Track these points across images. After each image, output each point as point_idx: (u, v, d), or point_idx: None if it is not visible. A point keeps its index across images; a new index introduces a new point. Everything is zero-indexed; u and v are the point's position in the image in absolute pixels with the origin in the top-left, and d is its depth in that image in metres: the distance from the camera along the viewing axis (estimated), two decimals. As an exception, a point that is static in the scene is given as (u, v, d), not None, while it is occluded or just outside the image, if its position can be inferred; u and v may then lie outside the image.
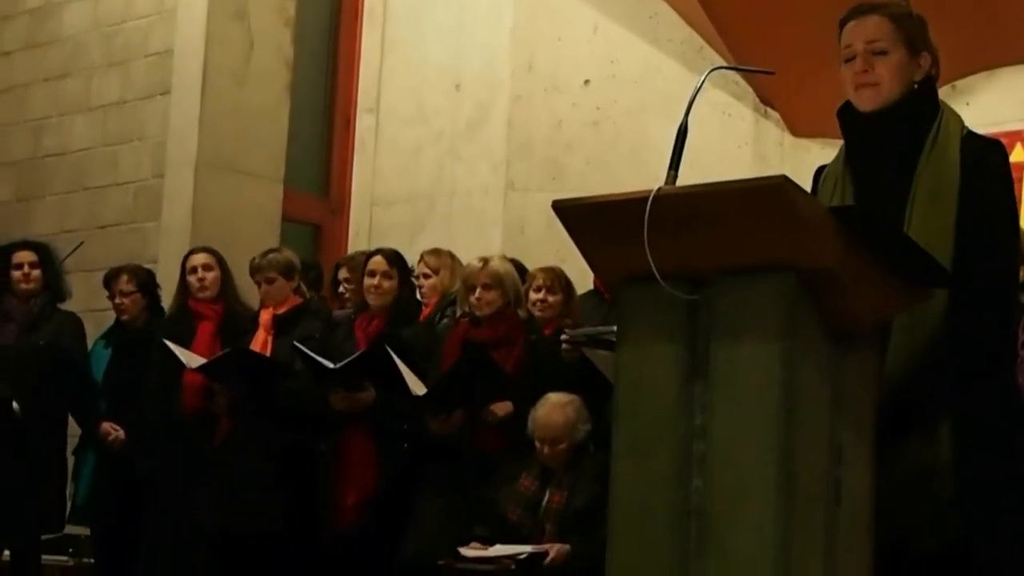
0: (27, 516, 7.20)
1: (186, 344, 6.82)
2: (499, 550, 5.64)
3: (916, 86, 3.41)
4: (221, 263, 7.13)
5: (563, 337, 6.00)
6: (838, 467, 3.05)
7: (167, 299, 7.38)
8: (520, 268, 6.61)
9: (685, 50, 9.24)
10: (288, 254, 7.03)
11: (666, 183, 3.13)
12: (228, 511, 6.47)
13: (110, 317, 7.59)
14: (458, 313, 6.36)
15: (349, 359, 6.16)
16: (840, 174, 3.48)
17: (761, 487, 2.93)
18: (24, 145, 9.84)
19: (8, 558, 7.37)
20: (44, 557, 7.58)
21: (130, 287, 7.32)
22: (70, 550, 8.19)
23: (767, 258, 2.97)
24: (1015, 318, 4.03)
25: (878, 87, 3.38)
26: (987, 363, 3.26)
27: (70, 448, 7.45)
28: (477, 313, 6.18)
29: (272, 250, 7.10)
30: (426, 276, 6.90)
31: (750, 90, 9.22)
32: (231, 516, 6.46)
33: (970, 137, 3.39)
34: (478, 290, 6.16)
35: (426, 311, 6.78)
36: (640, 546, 3.07)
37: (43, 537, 7.49)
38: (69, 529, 7.65)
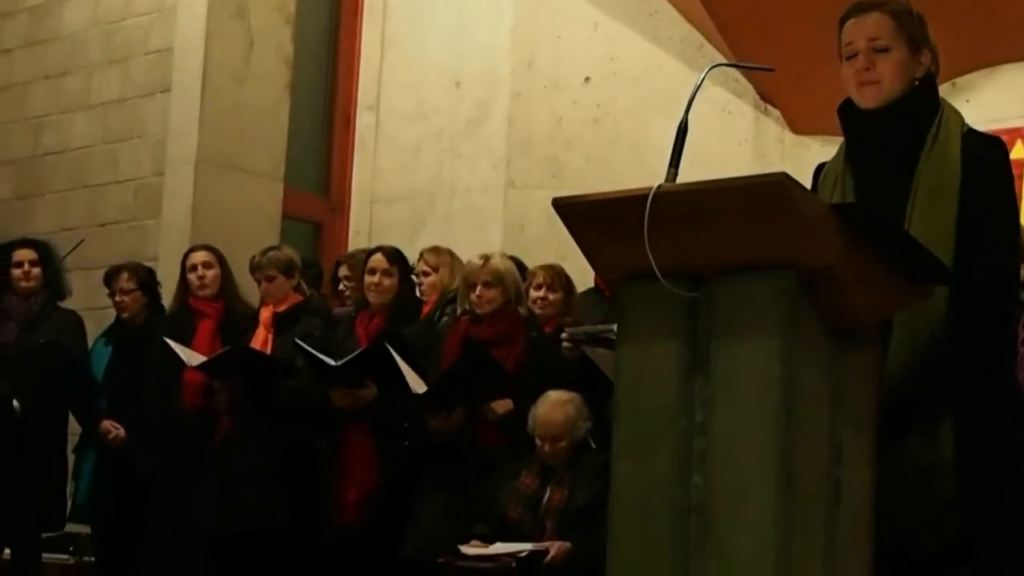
0: (27, 515, 7.20)
1: (186, 342, 6.82)
2: (499, 548, 5.64)
3: (917, 83, 3.41)
4: (221, 261, 7.13)
5: (563, 335, 6.00)
6: (838, 465, 3.04)
7: (167, 297, 7.37)
8: (520, 266, 6.61)
9: (685, 47, 9.23)
10: (288, 252, 7.02)
11: (666, 180, 3.13)
12: (228, 509, 6.47)
13: (110, 315, 7.59)
14: (458, 311, 6.36)
15: (350, 356, 6.16)
16: (840, 171, 3.48)
17: (761, 485, 2.93)
18: (24, 143, 9.84)
19: (8, 557, 7.36)
20: (44, 555, 7.57)
21: (130, 285, 7.32)
22: (70, 548, 8.19)
23: (767, 255, 2.97)
24: (1016, 316, 4.02)
25: (880, 84, 3.38)
26: (988, 361, 3.26)
27: (70, 446, 7.45)
28: (478, 311, 6.18)
29: (272, 248, 7.10)
30: (425, 274, 6.90)
31: (750, 87, 9.22)
32: (231, 515, 6.46)
33: (970, 134, 3.39)
34: (479, 288, 6.16)
35: (426, 309, 6.78)
36: (640, 544, 3.07)
37: (43, 535, 7.48)
38: (69, 527, 7.65)
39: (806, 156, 8.55)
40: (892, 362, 3.21)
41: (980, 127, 3.49)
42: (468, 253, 6.71)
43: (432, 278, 6.88)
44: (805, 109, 8.81)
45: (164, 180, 9.03)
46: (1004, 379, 3.39)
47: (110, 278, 7.42)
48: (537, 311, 6.42)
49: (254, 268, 6.93)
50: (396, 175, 9.83)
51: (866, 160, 3.44)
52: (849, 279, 2.99)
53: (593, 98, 9.27)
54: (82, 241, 8.17)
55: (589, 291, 6.82)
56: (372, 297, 6.54)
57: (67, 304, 7.56)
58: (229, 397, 6.68)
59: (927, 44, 3.44)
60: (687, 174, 3.16)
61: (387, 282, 6.52)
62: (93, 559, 7.67)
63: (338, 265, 7.59)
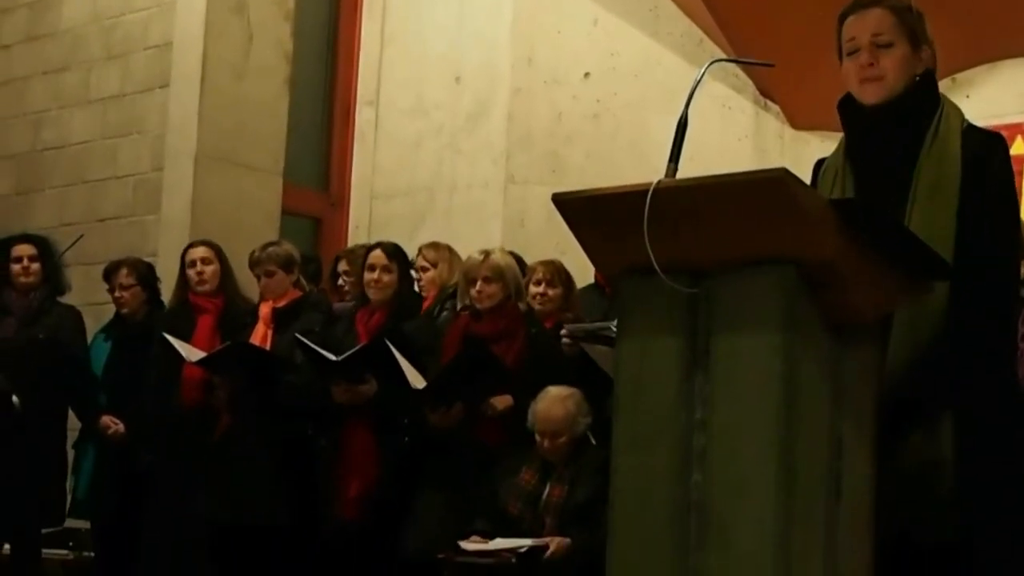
0: (27, 510, 7.20)
1: (186, 338, 6.82)
2: (499, 543, 5.64)
3: (918, 79, 3.40)
4: (220, 256, 7.13)
5: (563, 332, 6.00)
6: (838, 461, 3.04)
7: (167, 292, 7.37)
8: (520, 262, 6.60)
9: (685, 43, 9.24)
10: (288, 247, 7.02)
11: (666, 176, 3.13)
12: (228, 505, 6.47)
13: (110, 310, 7.59)
14: (458, 306, 6.36)
15: (350, 352, 6.16)
16: (840, 167, 3.47)
17: (761, 481, 2.92)
18: (23, 138, 9.83)
19: (8, 552, 7.36)
20: (44, 551, 7.58)
21: (130, 280, 7.32)
22: (70, 544, 8.19)
23: (767, 251, 2.97)
24: (1016, 312, 4.02)
25: (883, 80, 3.37)
26: (988, 358, 3.26)
27: (70, 442, 7.45)
28: (478, 306, 6.18)
29: (271, 243, 7.10)
30: (424, 269, 6.90)
31: (750, 83, 9.22)
32: (231, 510, 6.46)
33: (971, 130, 3.39)
34: (479, 283, 6.15)
35: (425, 304, 6.78)
36: (640, 540, 3.07)
37: (43, 531, 7.48)
38: (69, 523, 7.65)
39: (806, 152, 8.55)
40: (892, 359, 3.21)
41: (980, 123, 3.49)
42: (468, 249, 6.71)
43: (431, 273, 6.88)
44: (805, 105, 8.81)
45: (163, 175, 9.02)
46: (1004, 376, 3.38)
47: (109, 273, 7.42)
48: (537, 307, 6.42)
49: (253, 263, 6.93)
50: (396, 170, 9.83)
51: (866, 156, 3.43)
52: (849, 275, 2.99)
53: (593, 93, 9.27)
54: (81, 236, 8.16)
55: (589, 287, 6.82)
56: (372, 293, 6.53)
57: (66, 299, 7.55)
58: (229, 393, 6.67)
59: (926, 40, 3.43)
60: (687, 170, 3.15)
61: (387, 278, 6.51)
62: (93, 554, 7.67)
63: (337, 260, 7.59)
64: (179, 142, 8.94)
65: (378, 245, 6.69)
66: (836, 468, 3.04)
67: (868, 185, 3.38)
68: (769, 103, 9.28)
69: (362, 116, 10.06)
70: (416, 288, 6.89)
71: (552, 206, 3.24)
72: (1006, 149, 3.40)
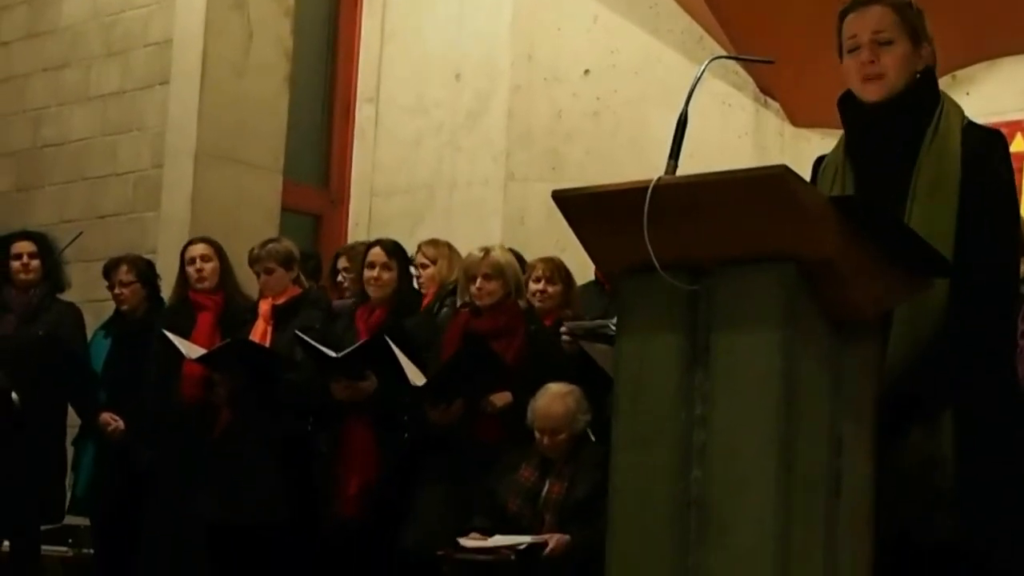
0: (26, 507, 7.20)
1: (186, 335, 6.82)
2: (499, 540, 5.64)
3: (918, 76, 3.40)
4: (220, 254, 7.12)
5: (562, 330, 6.00)
6: (838, 458, 3.04)
7: (167, 289, 7.37)
8: (519, 259, 6.60)
9: (685, 40, 9.23)
10: (287, 244, 7.02)
11: (666, 173, 3.13)
12: (228, 502, 6.47)
13: (109, 307, 7.59)
14: (458, 303, 6.36)
15: (350, 348, 6.16)
16: (840, 164, 3.47)
17: (761, 477, 2.93)
18: (23, 135, 9.83)
19: (8, 549, 7.36)
20: (44, 548, 7.57)
21: (130, 277, 7.32)
22: (70, 541, 8.19)
23: (767, 248, 2.97)
24: (1016, 309, 4.02)
25: (884, 78, 3.37)
26: (988, 356, 3.26)
27: (70, 439, 7.45)
28: (478, 303, 6.18)
29: (271, 240, 7.09)
30: (424, 266, 6.90)
31: (750, 80, 9.22)
32: (231, 507, 6.46)
33: (970, 127, 3.39)
34: (479, 280, 6.15)
35: (424, 301, 6.78)
36: (640, 537, 3.07)
37: (43, 528, 7.49)
38: (69, 520, 7.65)
39: (806, 149, 8.54)
40: (892, 356, 3.21)
41: (980, 120, 3.49)
42: (468, 246, 6.71)
43: (430, 270, 6.88)
44: (805, 102, 8.81)
45: (163, 172, 9.03)
46: (1004, 374, 3.38)
47: (109, 270, 7.42)
48: (536, 304, 6.42)
49: (253, 260, 6.93)
50: (396, 168, 9.83)
51: (866, 153, 3.43)
52: (849, 272, 2.99)
53: (593, 91, 9.27)
54: (81, 233, 8.16)
55: (589, 284, 6.82)
56: (371, 291, 6.53)
57: (66, 296, 7.55)
58: (229, 390, 6.67)
59: (926, 37, 3.43)
60: (687, 167, 3.15)
61: (386, 276, 6.51)
62: (92, 551, 7.67)
63: (337, 257, 7.59)
64: (179, 139, 8.94)
65: (377, 242, 6.69)
66: (836, 465, 3.04)
67: (868, 182, 3.38)
68: (769, 100, 9.28)
69: (362, 113, 10.06)
70: (416, 285, 6.89)
71: (552, 203, 3.24)
72: (1006, 146, 3.40)
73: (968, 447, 3.20)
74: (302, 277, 7.05)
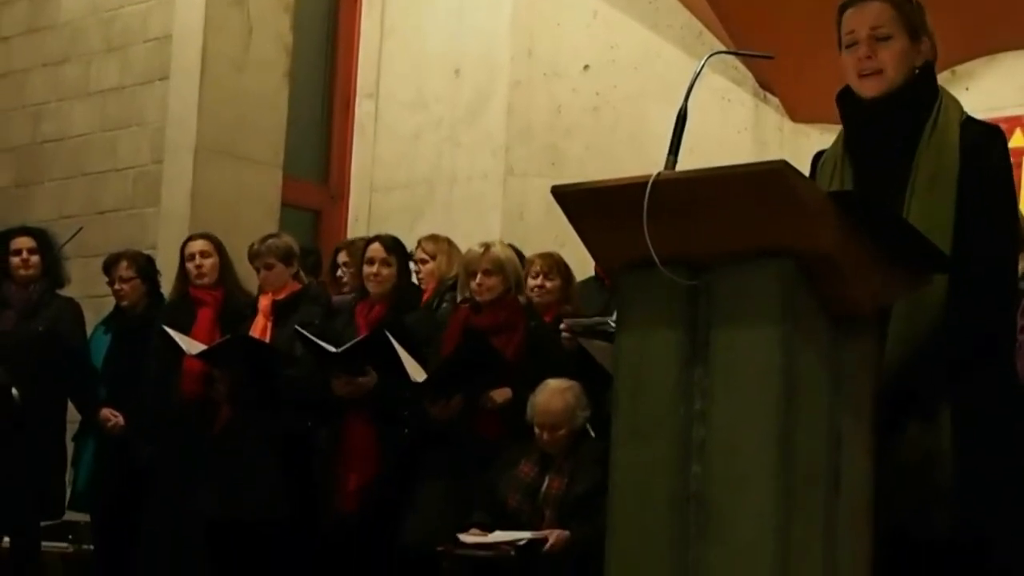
0: (26, 503, 7.20)
1: (186, 330, 6.82)
2: (498, 536, 5.64)
3: (917, 72, 3.40)
4: (220, 249, 7.12)
5: (562, 327, 6.00)
6: (838, 453, 3.04)
7: (166, 285, 7.37)
8: (519, 255, 6.60)
9: (684, 35, 9.23)
10: (287, 240, 7.02)
11: (665, 168, 3.13)
12: (228, 498, 6.47)
13: (109, 303, 7.59)
14: (458, 299, 6.36)
15: (350, 344, 6.16)
16: (839, 159, 3.47)
17: (761, 473, 2.93)
18: (23, 131, 9.83)
19: (8, 544, 7.37)
20: (44, 543, 7.58)
21: (130, 273, 7.32)
22: (70, 536, 8.20)
23: (766, 243, 2.97)
24: (1015, 304, 4.02)
25: (882, 73, 3.37)
26: (986, 350, 3.26)
27: (70, 434, 7.45)
28: (478, 299, 6.18)
29: (271, 236, 7.09)
30: (423, 262, 6.90)
31: (750, 75, 9.22)
32: (231, 503, 6.46)
33: (969, 123, 3.39)
34: (479, 276, 6.15)
35: (424, 297, 6.78)
36: (640, 532, 3.07)
37: (43, 523, 7.49)
38: (69, 515, 7.66)
39: (805, 144, 8.54)
40: (890, 352, 3.21)
41: (980, 115, 3.48)
42: (467, 241, 6.71)
43: (430, 266, 6.88)
44: (804, 97, 8.81)
45: (163, 168, 9.03)
46: (1003, 368, 3.38)
47: (109, 266, 7.42)
48: (535, 299, 6.42)
49: (253, 256, 6.93)
50: (395, 163, 9.82)
51: (865, 149, 3.43)
52: (848, 267, 2.99)
53: (592, 86, 9.27)
54: (81, 229, 8.15)
55: (589, 280, 6.82)
56: (371, 287, 6.53)
57: (66, 292, 7.56)
58: (228, 386, 6.67)
59: (926, 32, 3.43)
60: (686, 162, 3.15)
61: (385, 271, 6.51)
62: (92, 547, 7.68)
63: (337, 252, 7.59)
64: (179, 135, 8.94)
65: (377, 238, 6.69)
66: (835, 461, 3.04)
67: (867, 177, 3.38)
68: (769, 96, 9.28)
69: (362, 109, 10.05)
70: (415, 280, 6.89)
71: (551, 199, 3.24)
72: (1004, 141, 3.41)
73: (967, 442, 3.20)
74: (302, 273, 7.05)
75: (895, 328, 3.22)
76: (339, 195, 10.07)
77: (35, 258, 7.40)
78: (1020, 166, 7.62)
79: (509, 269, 6.19)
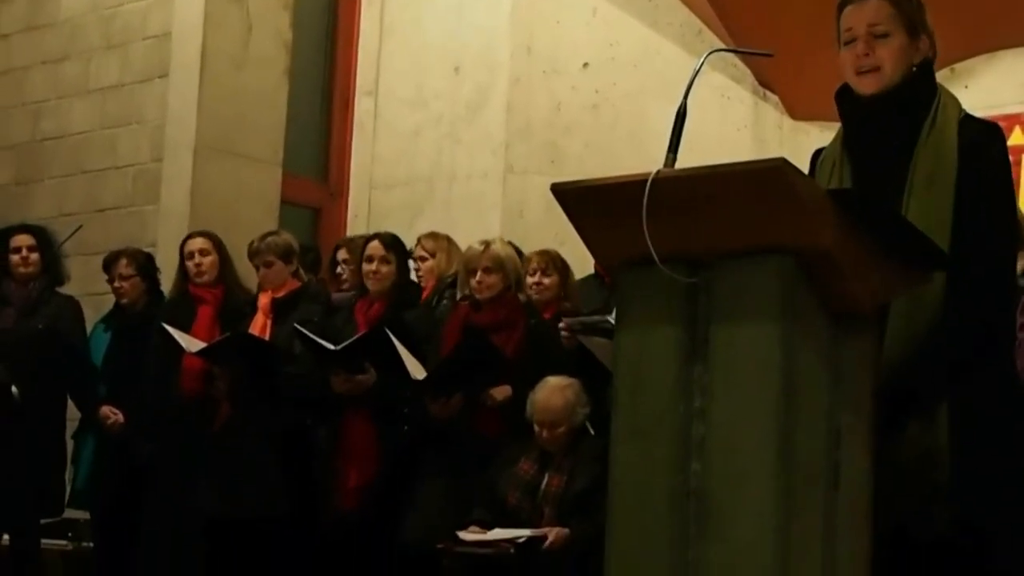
0: (26, 500, 7.20)
1: (186, 328, 6.82)
2: (498, 534, 5.65)
3: (915, 69, 3.40)
4: (218, 247, 7.12)
5: (561, 325, 6.00)
6: (837, 450, 3.04)
7: (166, 283, 7.37)
8: (518, 252, 6.60)
9: (684, 33, 9.23)
10: (286, 237, 7.02)
11: (665, 166, 3.13)
12: (228, 496, 6.47)
13: (109, 301, 7.60)
14: (458, 296, 6.37)
15: (350, 341, 6.17)
16: (838, 157, 3.47)
17: (760, 470, 2.93)
18: (22, 128, 9.83)
19: (7, 542, 7.37)
20: (43, 541, 7.58)
21: (129, 271, 7.33)
22: (69, 534, 8.20)
23: (766, 241, 2.97)
24: (1014, 301, 4.02)
25: (880, 71, 3.37)
26: (985, 348, 3.26)
27: (69, 432, 7.46)
28: (478, 296, 6.18)
29: (270, 233, 7.09)
30: (423, 259, 6.91)
31: (749, 73, 9.22)
32: (231, 501, 6.46)
33: (967, 120, 3.38)
34: (479, 273, 6.16)
35: (424, 294, 6.78)
36: (639, 530, 3.07)
37: (42, 521, 7.49)
38: (68, 513, 7.66)
39: (805, 142, 8.54)
40: (889, 350, 3.20)
41: (979, 113, 3.48)
42: (467, 239, 6.71)
43: (429, 263, 6.89)
44: (804, 95, 8.81)
45: (163, 166, 9.03)
46: (1002, 366, 3.38)
47: (109, 264, 7.42)
48: (534, 296, 6.42)
49: (252, 254, 6.93)
50: (395, 160, 9.82)
51: (863, 146, 3.43)
52: (847, 265, 2.99)
53: (592, 83, 9.27)
54: (80, 227, 8.16)
55: (589, 277, 6.82)
56: (370, 284, 6.53)
57: (65, 290, 7.56)
58: (228, 383, 6.68)
59: (925, 29, 3.43)
60: (686, 160, 3.15)
61: (385, 269, 6.51)
62: (92, 545, 7.68)
63: (337, 249, 7.59)
64: (178, 132, 8.94)
65: (376, 236, 6.69)
66: (835, 458, 3.04)
67: (865, 175, 3.38)
68: (768, 93, 9.28)
69: (361, 106, 10.05)
70: (413, 276, 6.89)
71: (551, 196, 3.24)
72: (1003, 139, 3.41)
73: (966, 441, 3.20)
74: (301, 270, 7.05)
75: (894, 326, 3.22)
76: (339, 193, 10.07)
77: (35, 256, 7.40)
78: (1019, 164, 7.63)
79: (509, 267, 6.20)
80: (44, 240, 7.51)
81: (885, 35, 3.37)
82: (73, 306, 7.47)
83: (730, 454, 2.97)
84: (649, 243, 3.02)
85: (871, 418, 3.13)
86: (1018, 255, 3.88)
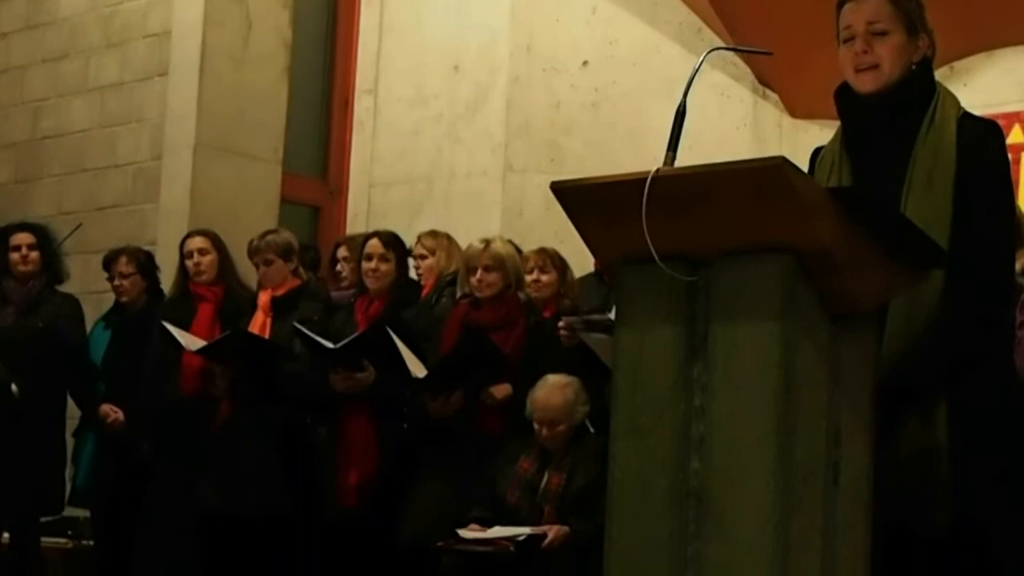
0: (26, 498, 7.21)
1: (186, 326, 6.83)
2: (498, 532, 5.65)
3: (914, 67, 3.40)
4: (218, 246, 7.13)
5: (560, 324, 6.00)
6: (836, 448, 3.04)
7: (166, 281, 7.38)
8: (518, 251, 6.60)
9: (683, 31, 9.23)
10: (286, 236, 7.02)
11: (664, 164, 3.13)
12: (228, 494, 6.48)
13: (109, 299, 7.60)
14: (458, 294, 6.37)
15: (349, 339, 6.17)
16: (837, 155, 3.47)
17: (760, 468, 2.93)
18: (22, 127, 9.84)
19: (7, 540, 7.37)
20: (43, 539, 7.59)
21: (129, 269, 7.33)
22: (69, 532, 8.20)
23: (765, 239, 2.97)
24: (1013, 299, 4.02)
25: (878, 69, 3.37)
26: (984, 345, 3.26)
27: (69, 430, 7.46)
28: (478, 295, 6.18)
29: (270, 232, 7.10)
30: (423, 257, 6.91)
31: (749, 71, 9.22)
32: (230, 499, 6.46)
33: (966, 118, 3.38)
34: (479, 272, 6.16)
35: (423, 293, 6.78)
36: (639, 527, 3.07)
37: (42, 519, 7.50)
38: (68, 511, 7.66)
39: (804, 140, 8.54)
40: (888, 347, 3.20)
41: (978, 111, 3.48)
42: (467, 237, 6.72)
43: (429, 261, 6.89)
44: (804, 93, 8.81)
45: (162, 164, 9.03)
46: (1001, 366, 3.38)
47: (109, 262, 7.42)
48: (533, 294, 6.42)
49: (252, 252, 6.93)
50: (394, 159, 9.82)
51: (862, 144, 3.43)
52: (847, 263, 2.99)
53: (591, 82, 9.27)
54: (80, 225, 8.17)
55: (589, 275, 6.82)
56: (370, 283, 6.54)
57: (65, 288, 7.56)
58: (228, 381, 6.68)
59: (924, 28, 3.43)
60: (685, 158, 3.16)
61: (384, 267, 6.51)
62: (92, 543, 7.69)
63: (337, 247, 7.59)
64: (178, 131, 8.95)
65: (375, 234, 6.69)
66: (834, 456, 3.05)
67: (864, 173, 3.38)
68: (768, 91, 9.28)
69: (361, 105, 10.05)
70: (412, 274, 6.89)
71: (551, 195, 3.24)
72: (1001, 137, 3.41)
73: (965, 438, 3.20)
74: (301, 269, 7.06)
75: (893, 324, 3.22)
76: (338, 191, 10.08)
77: (35, 254, 7.40)
78: (1018, 162, 7.63)
79: (509, 265, 6.20)
80: (44, 238, 7.51)
81: (884, 33, 3.37)
82: (73, 304, 7.48)
83: (730, 452, 2.97)
84: (649, 241, 3.02)
85: (870, 416, 3.13)
86: (1017, 253, 3.87)
